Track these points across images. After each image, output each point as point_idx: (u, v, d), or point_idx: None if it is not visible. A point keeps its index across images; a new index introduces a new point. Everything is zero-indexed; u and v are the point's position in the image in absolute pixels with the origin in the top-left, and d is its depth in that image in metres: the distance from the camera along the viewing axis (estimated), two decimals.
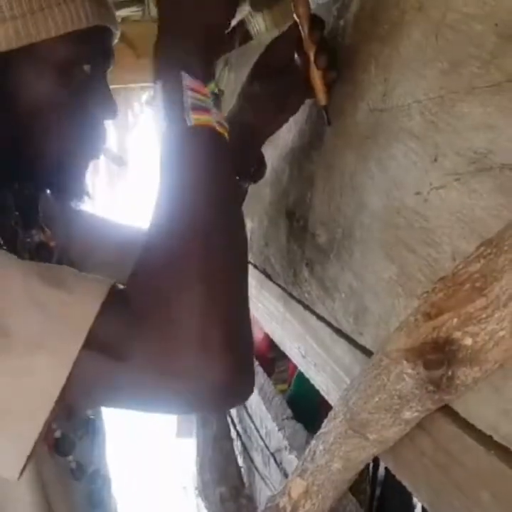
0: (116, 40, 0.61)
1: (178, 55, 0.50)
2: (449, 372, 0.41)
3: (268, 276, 0.92)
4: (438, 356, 0.41)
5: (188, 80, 0.48)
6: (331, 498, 0.58)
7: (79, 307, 0.44)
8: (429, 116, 0.50)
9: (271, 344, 1.59)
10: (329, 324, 0.68)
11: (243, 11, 1.22)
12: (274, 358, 1.75)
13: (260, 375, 1.46)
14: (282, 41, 0.69)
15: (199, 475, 1.83)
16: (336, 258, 0.67)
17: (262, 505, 0.66)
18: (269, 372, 1.56)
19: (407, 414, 0.46)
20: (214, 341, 0.43)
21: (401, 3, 0.55)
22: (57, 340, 0.43)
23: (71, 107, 0.57)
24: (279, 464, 1.23)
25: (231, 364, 0.43)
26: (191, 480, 2.12)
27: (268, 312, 0.93)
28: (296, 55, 0.66)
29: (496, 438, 0.41)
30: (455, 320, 0.40)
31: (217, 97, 0.51)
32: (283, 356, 0.94)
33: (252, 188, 0.76)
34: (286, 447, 1.18)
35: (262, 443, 1.36)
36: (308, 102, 0.73)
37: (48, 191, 0.65)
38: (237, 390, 0.46)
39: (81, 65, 0.57)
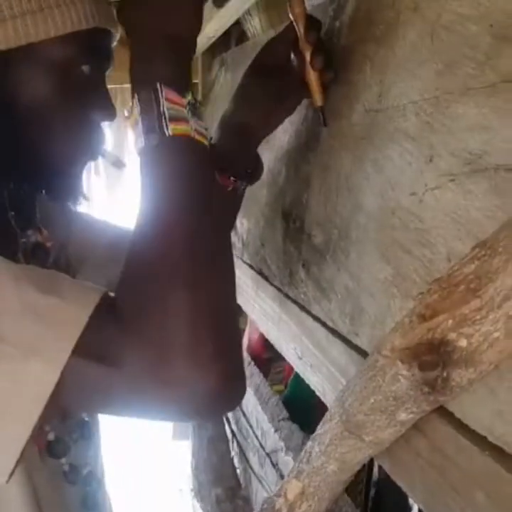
0: (115, 42, 0.61)
1: (153, 67, 0.51)
2: (444, 374, 0.41)
3: (264, 277, 0.92)
4: (433, 357, 0.41)
5: (164, 91, 0.49)
6: (327, 499, 0.58)
7: (70, 314, 0.44)
8: (424, 117, 0.50)
9: (267, 345, 1.59)
10: (325, 325, 0.68)
11: (239, 11, 1.22)
12: (270, 358, 1.75)
13: (256, 376, 1.46)
14: (278, 42, 0.69)
15: (195, 476, 1.83)
16: (332, 259, 0.67)
17: (258, 507, 0.66)
18: (265, 373, 1.56)
19: (403, 416, 0.46)
20: (202, 348, 0.43)
21: (396, 4, 0.55)
22: (47, 346, 0.43)
23: (69, 107, 0.57)
24: (275, 465, 1.23)
25: (220, 370, 0.44)
26: (187, 481, 2.12)
27: (264, 313, 0.93)
28: (292, 56, 0.66)
29: (490, 439, 0.41)
30: (450, 321, 0.40)
31: (195, 106, 0.51)
32: (279, 357, 0.94)
33: (248, 189, 0.76)
34: (282, 448, 1.17)
35: (257, 444, 1.36)
36: (304, 102, 0.73)
37: (44, 192, 0.64)
38: (228, 397, 0.46)
39: (80, 66, 0.57)
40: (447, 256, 0.46)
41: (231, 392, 0.47)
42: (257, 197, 0.92)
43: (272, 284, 0.88)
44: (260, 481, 1.34)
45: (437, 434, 0.47)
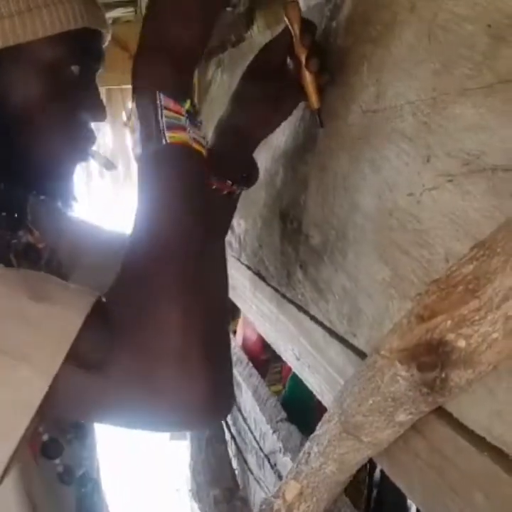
0: (106, 42, 0.61)
1: (154, 75, 0.51)
2: (443, 374, 0.41)
3: (262, 278, 0.92)
4: (431, 358, 0.41)
5: (163, 99, 0.49)
6: (326, 500, 0.58)
7: (62, 320, 0.44)
8: (421, 117, 0.50)
9: (264, 345, 1.59)
10: (323, 326, 0.68)
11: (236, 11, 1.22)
12: (267, 359, 1.75)
13: (254, 377, 1.45)
14: (275, 45, 0.69)
15: (193, 477, 1.82)
16: (330, 260, 0.67)
17: (256, 508, 0.66)
18: (262, 373, 1.56)
19: (401, 417, 0.46)
20: (192, 357, 0.44)
21: (393, 4, 0.55)
22: (39, 353, 0.43)
23: (59, 108, 0.57)
24: (273, 466, 1.23)
25: (209, 380, 0.44)
26: (185, 482, 2.11)
27: (262, 314, 0.93)
28: (288, 59, 0.66)
29: (489, 439, 0.41)
30: (448, 322, 0.40)
31: (193, 115, 0.51)
32: (277, 357, 0.94)
33: (245, 190, 0.76)
34: (280, 449, 1.17)
35: (256, 445, 1.36)
36: (301, 103, 0.73)
37: (35, 193, 0.64)
38: (216, 406, 0.47)
39: (69, 67, 0.57)
40: (445, 257, 0.46)
41: (220, 402, 0.47)
42: (254, 198, 0.91)
43: (269, 285, 0.88)
44: (258, 482, 1.34)
45: (436, 434, 0.47)
